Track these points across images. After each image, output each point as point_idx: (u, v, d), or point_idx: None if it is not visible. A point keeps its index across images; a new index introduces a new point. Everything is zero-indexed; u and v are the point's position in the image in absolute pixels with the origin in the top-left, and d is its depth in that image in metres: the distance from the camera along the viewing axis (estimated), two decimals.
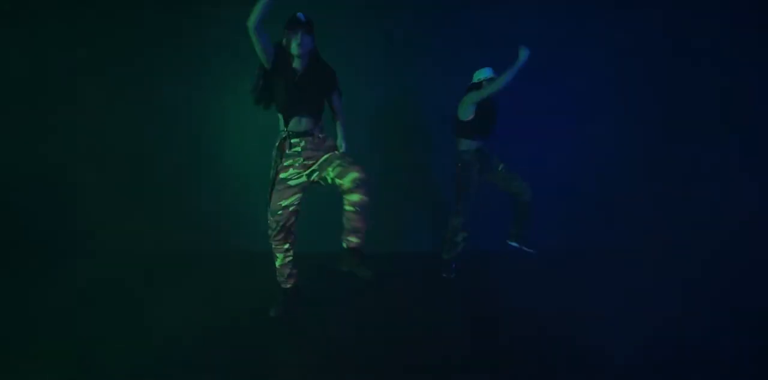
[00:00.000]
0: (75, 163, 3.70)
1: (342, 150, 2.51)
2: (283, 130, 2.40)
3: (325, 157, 2.39)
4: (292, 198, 2.42)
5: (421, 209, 3.92)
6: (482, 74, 3.19)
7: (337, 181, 2.30)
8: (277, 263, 2.58)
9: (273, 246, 2.52)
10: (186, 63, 3.62)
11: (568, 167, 3.81)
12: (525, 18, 3.64)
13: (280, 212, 2.41)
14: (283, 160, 2.39)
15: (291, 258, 2.58)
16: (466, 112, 3.09)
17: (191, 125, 3.71)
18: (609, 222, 3.84)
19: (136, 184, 3.74)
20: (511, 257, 3.52)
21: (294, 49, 2.25)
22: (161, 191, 3.75)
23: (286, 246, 2.53)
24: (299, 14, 2.24)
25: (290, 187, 2.41)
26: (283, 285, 2.64)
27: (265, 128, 2.92)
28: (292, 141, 2.38)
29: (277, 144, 2.43)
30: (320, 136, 2.43)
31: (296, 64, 2.32)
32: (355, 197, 2.28)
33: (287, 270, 2.59)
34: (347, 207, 2.32)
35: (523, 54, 2.81)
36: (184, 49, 3.61)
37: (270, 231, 2.48)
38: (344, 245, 2.42)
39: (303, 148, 2.39)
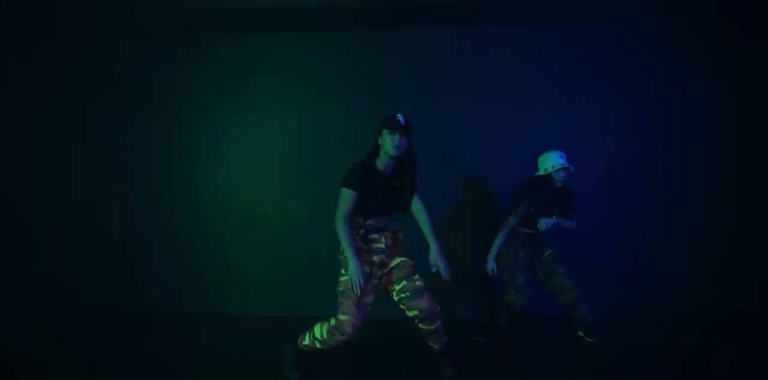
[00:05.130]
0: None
1: (435, 249, 2.33)
2: (358, 224, 2.27)
3: (397, 262, 2.34)
4: (373, 295, 2.30)
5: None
6: (549, 162, 2.72)
7: (402, 305, 2.32)
8: (320, 346, 2.30)
9: (333, 343, 2.24)
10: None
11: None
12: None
13: (367, 308, 2.24)
14: (370, 255, 2.28)
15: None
16: (517, 215, 2.80)
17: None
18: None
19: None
20: (560, 324, 3.07)
21: (390, 150, 2.16)
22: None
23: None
24: (399, 116, 2.16)
25: (375, 284, 2.31)
26: (307, 346, 2.34)
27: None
28: (372, 236, 2.29)
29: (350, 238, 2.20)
30: (392, 229, 2.37)
31: (382, 164, 2.25)
32: (423, 327, 2.34)
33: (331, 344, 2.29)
34: (422, 329, 2.37)
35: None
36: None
37: (342, 334, 2.19)
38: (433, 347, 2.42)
39: (386, 246, 2.31)
